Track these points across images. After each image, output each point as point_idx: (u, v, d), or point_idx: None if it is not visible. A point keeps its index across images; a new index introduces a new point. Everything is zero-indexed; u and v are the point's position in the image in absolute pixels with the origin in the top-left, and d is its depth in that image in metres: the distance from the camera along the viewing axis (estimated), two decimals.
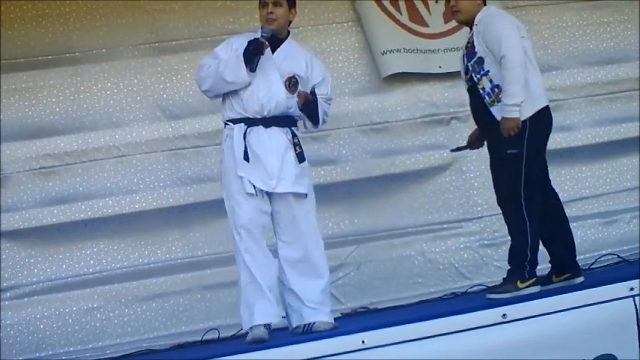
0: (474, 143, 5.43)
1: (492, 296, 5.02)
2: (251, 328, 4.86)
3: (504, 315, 4.57)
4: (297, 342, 4.56)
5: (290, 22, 5.20)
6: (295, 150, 5.05)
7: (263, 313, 4.86)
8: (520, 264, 5.06)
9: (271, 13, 5.05)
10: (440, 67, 6.79)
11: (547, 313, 4.59)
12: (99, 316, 6.15)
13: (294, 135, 5.08)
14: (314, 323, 4.96)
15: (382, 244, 6.56)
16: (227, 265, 6.17)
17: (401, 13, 6.82)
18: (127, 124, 6.35)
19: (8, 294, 6.08)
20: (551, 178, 6.91)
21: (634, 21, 7.27)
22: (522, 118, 5.03)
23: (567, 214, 6.72)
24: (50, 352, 6.05)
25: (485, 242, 6.75)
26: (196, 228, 6.31)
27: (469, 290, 6.47)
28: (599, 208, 7.00)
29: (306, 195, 5.06)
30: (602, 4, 7.23)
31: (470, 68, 5.19)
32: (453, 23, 6.82)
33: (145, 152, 6.34)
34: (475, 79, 5.17)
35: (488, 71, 5.09)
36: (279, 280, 5.02)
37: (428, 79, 6.82)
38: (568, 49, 7.13)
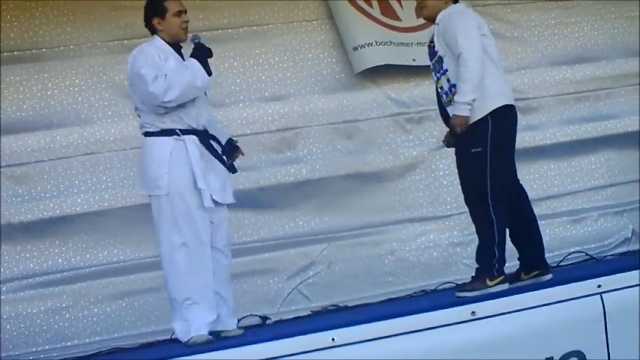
0: (449, 142, 5.42)
1: (461, 294, 5.04)
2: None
3: (473, 312, 4.58)
4: (267, 340, 4.54)
5: None
6: (228, 161, 5.12)
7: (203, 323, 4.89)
8: (488, 262, 5.07)
9: (187, 21, 5.07)
10: (414, 59, 6.78)
11: (516, 311, 4.61)
12: (67, 315, 6.11)
13: (222, 147, 5.12)
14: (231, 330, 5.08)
15: (352, 242, 6.57)
16: None
17: (372, 8, 6.82)
18: (95, 122, 6.32)
19: None
20: (520, 176, 6.97)
21: (600, 21, 7.33)
22: (478, 117, 5.03)
23: (536, 212, 6.77)
24: (17, 353, 5.99)
25: (455, 240, 6.78)
26: None
27: (438, 288, 6.50)
28: (567, 206, 7.05)
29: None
30: (571, 3, 7.30)
31: (431, 67, 5.21)
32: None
33: (113, 150, 6.31)
34: (435, 78, 5.18)
35: (446, 70, 5.09)
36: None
37: (398, 77, 6.84)
38: (537, 48, 7.18)
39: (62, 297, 6.13)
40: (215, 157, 5.02)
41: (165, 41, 5.04)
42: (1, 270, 6.07)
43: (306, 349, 4.42)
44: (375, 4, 6.81)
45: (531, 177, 6.97)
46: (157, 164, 4.92)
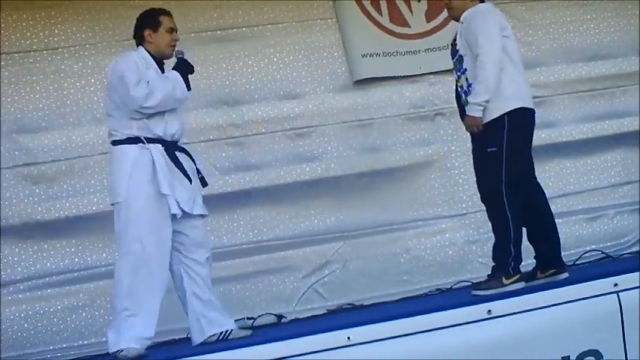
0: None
1: (477, 292, 5.03)
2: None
3: (489, 311, 4.58)
4: (283, 339, 4.55)
5: None
6: (198, 174, 5.13)
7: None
8: (504, 261, 5.07)
9: (177, 40, 5.13)
10: (420, 67, 6.81)
11: (532, 309, 4.61)
12: (84, 314, 6.14)
13: (194, 160, 5.15)
14: (232, 330, 5.06)
15: (367, 240, 6.57)
16: (213, 261, 6.17)
17: (381, 14, 6.81)
18: None
19: None
20: (536, 174, 6.98)
21: (616, 18, 7.30)
22: (494, 116, 5.03)
23: (552, 210, 6.77)
24: (35, 351, 6.03)
25: (470, 239, 6.77)
26: None
27: (454, 286, 6.49)
28: (583, 204, 7.03)
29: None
30: (586, 1, 7.26)
31: (453, 65, 5.20)
32: (435, 22, 6.87)
33: None
34: (456, 77, 5.19)
35: (466, 69, 5.10)
36: (195, 294, 5.02)
37: (413, 75, 6.83)
38: (552, 45, 7.15)
39: (79, 296, 6.16)
40: (179, 169, 4.99)
41: (150, 54, 5.07)
42: (18, 269, 6.11)
43: (322, 348, 4.43)
44: (384, 10, 6.80)
45: (547, 175, 6.95)
46: (119, 172, 4.91)
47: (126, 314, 4.80)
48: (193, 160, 5.16)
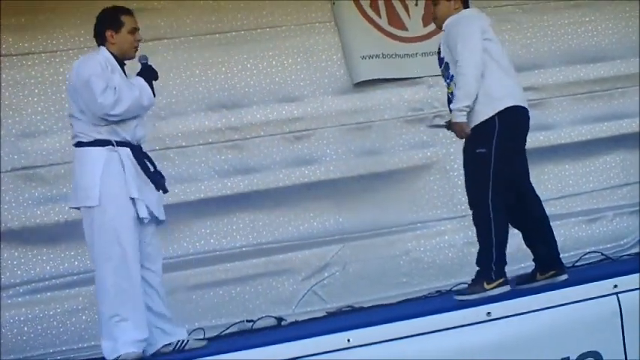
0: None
1: (460, 297, 5.01)
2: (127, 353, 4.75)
3: (489, 313, 4.58)
4: (283, 341, 4.55)
5: None
6: (162, 180, 5.06)
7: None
8: (486, 265, 5.05)
9: (139, 40, 5.05)
10: (417, 71, 6.81)
11: (531, 311, 4.60)
12: (83, 317, 6.13)
13: (155, 166, 5.07)
14: (187, 341, 5.01)
15: (367, 243, 6.57)
16: (213, 264, 6.20)
17: (380, 17, 6.82)
18: None
19: None
20: (534, 176, 6.95)
21: (615, 20, 7.31)
22: (484, 118, 5.02)
23: (550, 212, 6.74)
24: (34, 354, 6.03)
25: (470, 240, 6.72)
26: (182, 229, 6.31)
27: (454, 288, 6.48)
28: (582, 206, 7.03)
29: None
30: (583, 3, 7.28)
31: (441, 74, 5.22)
32: (433, 27, 6.85)
33: None
34: (446, 84, 5.19)
35: (452, 76, 5.09)
36: (149, 307, 4.93)
37: (412, 78, 6.84)
38: (550, 48, 7.16)
39: (78, 299, 6.15)
40: (146, 174, 4.94)
41: (113, 55, 4.98)
42: (18, 273, 6.11)
43: (322, 350, 4.43)
44: (383, 13, 6.81)
45: (546, 177, 6.96)
46: (90, 175, 4.82)
47: (116, 320, 4.76)
48: (155, 166, 5.06)
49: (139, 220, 4.86)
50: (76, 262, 6.18)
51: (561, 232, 6.86)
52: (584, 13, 7.28)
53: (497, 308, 4.61)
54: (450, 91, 5.15)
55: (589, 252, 6.73)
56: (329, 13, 6.81)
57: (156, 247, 5.02)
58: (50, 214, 6.17)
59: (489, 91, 5.01)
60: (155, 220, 4.97)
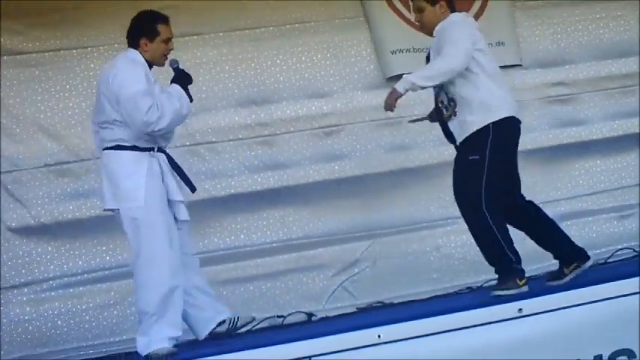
0: (433, 115, 5.34)
1: (498, 293, 4.98)
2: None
3: (520, 309, 4.56)
4: (313, 337, 4.56)
5: None
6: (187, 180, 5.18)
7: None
8: (509, 266, 5.04)
9: (171, 49, 5.10)
10: None
11: (564, 308, 4.58)
12: (115, 312, 6.18)
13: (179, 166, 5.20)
14: (238, 319, 5.28)
15: (397, 239, 6.56)
16: (243, 259, 6.22)
17: (410, 11, 6.80)
18: None
19: (25, 289, 6.12)
20: (565, 172, 6.97)
21: None
22: (480, 126, 5.01)
23: (582, 209, 6.79)
24: (68, 347, 6.09)
25: None
26: (212, 224, 6.33)
27: (484, 285, 6.45)
28: (614, 202, 6.98)
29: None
30: None
31: None
32: None
33: None
34: (434, 93, 5.12)
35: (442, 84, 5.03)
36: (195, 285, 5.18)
37: None
38: (581, 42, 7.11)
39: (110, 294, 6.21)
40: (181, 176, 5.08)
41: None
42: (51, 267, 6.16)
43: (352, 346, 4.44)
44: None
45: (577, 173, 6.92)
46: (134, 177, 4.91)
47: (154, 318, 4.87)
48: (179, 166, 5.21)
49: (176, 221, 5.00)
50: (108, 257, 6.23)
51: (593, 229, 6.83)
52: (615, 7, 7.22)
53: (528, 305, 4.59)
54: (439, 100, 5.09)
55: (621, 248, 6.66)
56: (358, 9, 6.80)
57: (186, 237, 5.17)
58: (82, 209, 6.22)
59: (485, 101, 5.00)
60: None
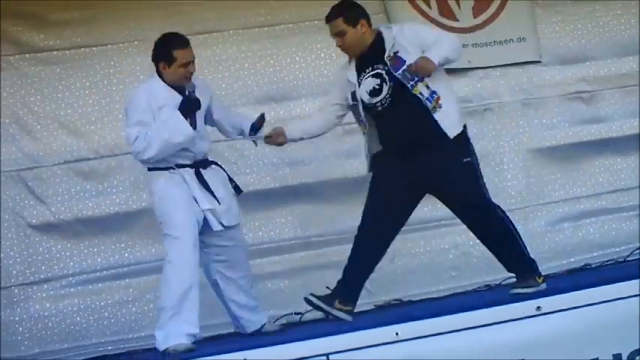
0: (274, 136, 5.25)
1: (517, 291, 4.97)
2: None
3: (539, 307, 4.55)
4: (331, 334, 4.56)
5: None
6: (232, 183, 5.29)
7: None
8: (529, 262, 5.05)
9: (193, 71, 5.15)
10: (469, 62, 6.76)
11: (582, 306, 4.56)
12: (134, 309, 6.21)
13: (225, 171, 5.34)
14: (264, 325, 5.44)
15: (415, 236, 6.52)
16: (261, 257, 6.22)
17: (431, 8, 6.78)
18: None
19: (45, 286, 6.16)
20: (585, 169, 6.93)
21: None
22: (460, 129, 5.06)
23: (602, 206, 6.74)
24: (87, 342, 6.13)
25: (520, 234, 6.71)
26: None
27: (503, 283, 6.43)
28: (634, 200, 6.92)
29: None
30: None
31: (400, 78, 5.00)
32: (482, 18, 6.82)
33: None
34: (409, 87, 5.00)
35: (422, 77, 4.97)
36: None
37: (460, 71, 6.78)
38: (601, 39, 7.06)
39: (128, 290, 6.23)
40: (207, 190, 5.15)
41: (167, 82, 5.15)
42: (70, 264, 6.19)
43: (370, 344, 4.44)
44: (433, 4, 6.77)
45: (597, 170, 6.88)
46: (155, 198, 5.17)
47: (171, 313, 4.99)
48: (225, 171, 5.31)
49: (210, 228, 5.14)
50: (127, 254, 6.26)
51: (612, 227, 6.79)
52: (635, 3, 7.15)
53: (547, 303, 4.58)
54: (417, 92, 5.00)
55: None
56: (378, 5, 6.78)
57: (232, 250, 5.29)
58: (102, 206, 6.24)
59: (456, 106, 5.10)
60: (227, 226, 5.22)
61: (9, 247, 6.13)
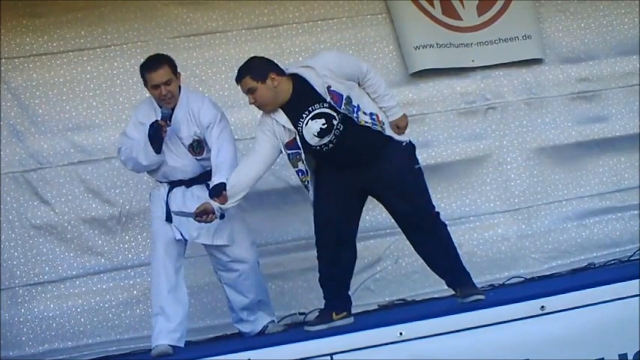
0: (201, 214, 5.10)
1: (480, 297, 4.95)
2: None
3: (543, 307, 4.54)
4: (335, 334, 4.56)
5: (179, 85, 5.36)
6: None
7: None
8: (468, 274, 5.08)
9: (167, 94, 5.23)
10: (473, 60, 6.77)
11: (587, 305, 4.55)
12: (137, 311, 6.22)
13: None
14: (267, 326, 5.58)
15: None
16: (265, 257, 6.21)
17: (434, 7, 6.78)
18: None
19: (49, 286, 6.18)
20: (589, 168, 6.92)
21: None
22: (408, 137, 5.05)
23: (606, 206, 6.72)
24: (91, 342, 6.15)
25: (523, 234, 6.72)
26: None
27: (506, 282, 6.45)
28: (638, 199, 6.92)
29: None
30: None
31: (345, 112, 4.87)
32: (487, 16, 6.82)
33: None
34: (355, 119, 4.88)
35: (358, 105, 4.91)
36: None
37: (464, 70, 6.79)
38: (605, 38, 7.05)
39: (132, 292, 6.25)
40: (186, 202, 5.30)
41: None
42: (74, 264, 6.22)
43: (374, 344, 4.43)
44: (436, 3, 6.76)
45: (601, 169, 6.87)
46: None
47: (156, 314, 5.29)
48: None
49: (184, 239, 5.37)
50: (130, 255, 6.28)
51: (616, 226, 6.78)
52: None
53: (551, 302, 4.56)
54: (362, 122, 4.89)
55: None
56: (381, 5, 6.79)
57: (227, 254, 5.44)
58: (105, 207, 6.26)
59: None
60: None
61: (13, 247, 6.16)
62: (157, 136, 5.19)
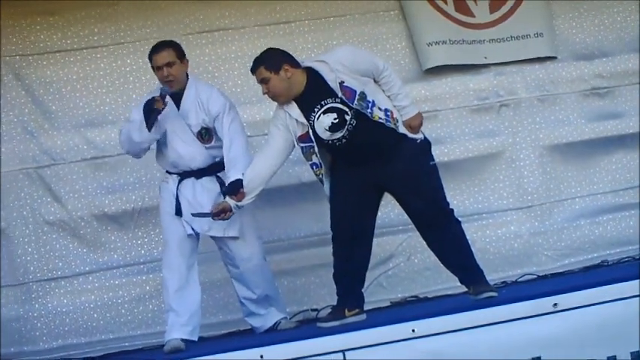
0: (219, 213, 5.15)
1: (492, 294, 4.94)
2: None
3: (555, 304, 4.53)
4: (347, 331, 4.57)
5: (186, 72, 5.40)
6: (224, 197, 5.25)
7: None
8: (481, 271, 5.06)
9: (168, 75, 5.27)
10: (485, 57, 6.76)
11: (600, 303, 4.54)
12: (150, 306, 6.24)
13: (221, 184, 5.32)
14: (280, 322, 5.58)
15: None
16: (277, 253, 6.23)
17: (447, 4, 6.78)
18: None
19: (62, 282, 6.20)
20: (601, 166, 6.90)
21: None
22: (421, 134, 5.03)
23: (620, 203, 6.70)
24: (104, 338, 6.17)
25: (536, 231, 6.70)
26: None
27: (519, 279, 6.44)
28: None
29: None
30: None
31: (357, 108, 4.87)
32: (499, 14, 6.81)
33: None
34: (369, 115, 4.88)
35: (373, 101, 4.90)
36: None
37: (477, 67, 6.78)
38: (618, 35, 7.03)
39: (145, 287, 6.26)
40: (180, 200, 5.33)
41: None
42: (87, 260, 6.24)
43: (386, 341, 4.44)
44: (449, 0, 6.76)
45: (614, 167, 6.85)
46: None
47: (168, 310, 5.33)
48: (222, 184, 5.34)
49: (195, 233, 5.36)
50: (143, 251, 6.29)
51: (630, 224, 6.76)
52: None
53: (564, 299, 4.56)
54: (376, 118, 4.90)
55: None
56: (394, 2, 6.78)
57: (234, 249, 5.46)
58: (118, 202, 6.28)
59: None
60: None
61: (27, 243, 6.18)
62: (150, 112, 5.19)
